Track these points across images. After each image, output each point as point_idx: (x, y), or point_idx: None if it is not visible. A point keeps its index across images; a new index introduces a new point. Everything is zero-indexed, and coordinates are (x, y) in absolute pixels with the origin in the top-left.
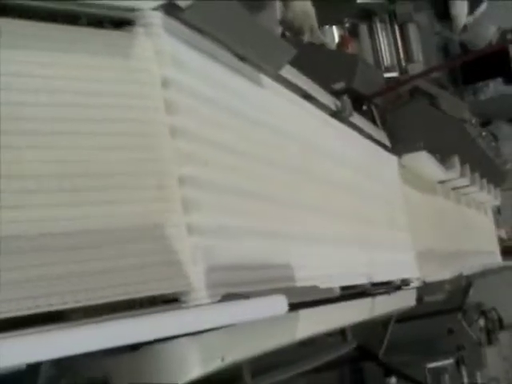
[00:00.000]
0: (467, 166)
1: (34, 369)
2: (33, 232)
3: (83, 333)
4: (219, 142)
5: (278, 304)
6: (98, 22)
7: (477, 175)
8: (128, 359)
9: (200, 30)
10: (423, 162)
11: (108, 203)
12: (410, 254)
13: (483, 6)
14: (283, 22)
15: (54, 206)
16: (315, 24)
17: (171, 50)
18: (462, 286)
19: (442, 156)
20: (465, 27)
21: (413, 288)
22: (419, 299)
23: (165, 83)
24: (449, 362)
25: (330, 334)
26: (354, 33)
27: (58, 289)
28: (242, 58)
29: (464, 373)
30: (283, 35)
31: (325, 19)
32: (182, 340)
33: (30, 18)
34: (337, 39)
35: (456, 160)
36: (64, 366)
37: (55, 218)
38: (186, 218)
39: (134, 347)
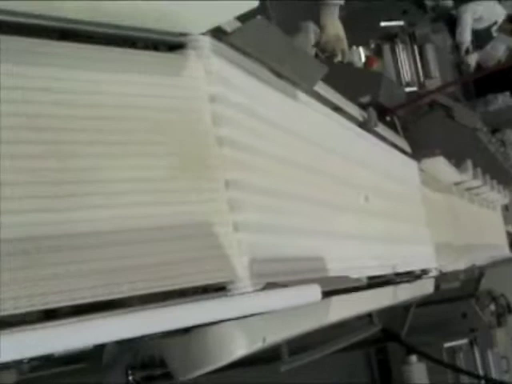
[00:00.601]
0: (479, 169)
1: (99, 347)
2: (107, 229)
3: (144, 317)
4: (260, 149)
5: (313, 292)
6: (154, 45)
7: (488, 177)
8: (182, 340)
9: (243, 51)
10: (440, 166)
11: (165, 205)
12: (429, 247)
13: (491, 43)
14: (318, 45)
15: (124, 206)
16: (346, 47)
17: (218, 70)
18: (475, 275)
19: (457, 160)
20: (467, 51)
21: (431, 277)
22: (437, 287)
23: (212, 98)
24: (463, 342)
25: (358, 318)
26: (378, 53)
27: (129, 279)
28: (279, 76)
29: (476, 352)
30: (316, 55)
31: (353, 41)
32: (229, 323)
33: (94, 43)
34: (363, 58)
35: (469, 164)
36: (126, 345)
37: (126, 216)
38: (232, 217)
39: (187, 330)
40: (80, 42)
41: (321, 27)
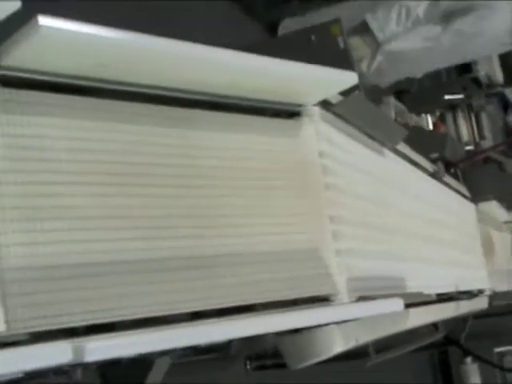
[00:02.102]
0: None
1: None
2: (239, 251)
3: (268, 319)
4: (357, 192)
5: (396, 304)
6: (278, 113)
7: None
8: (293, 338)
9: (344, 118)
10: (493, 207)
11: (284, 234)
12: (484, 272)
13: None
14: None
15: (254, 235)
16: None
17: (325, 132)
18: None
19: (508, 203)
20: None
21: (486, 295)
22: (490, 303)
23: (321, 154)
24: (510, 348)
25: (426, 326)
26: (442, 119)
27: (257, 290)
28: (371, 137)
29: None
30: (395, 120)
31: (423, 110)
32: (330, 327)
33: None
34: (430, 124)
35: None
36: (247, 340)
37: (253, 242)
38: (334, 245)
39: (298, 330)
40: (224, 112)
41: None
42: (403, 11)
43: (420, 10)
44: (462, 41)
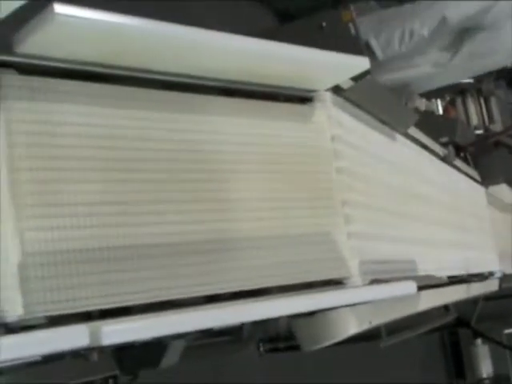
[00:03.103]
0: None
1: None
2: (252, 236)
3: (283, 302)
4: (368, 176)
5: (410, 287)
6: (290, 99)
7: None
8: (307, 320)
9: (355, 103)
10: (503, 191)
11: (297, 218)
12: (494, 254)
13: None
14: None
15: (267, 219)
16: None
17: (337, 116)
18: None
19: None
20: None
21: (496, 278)
22: (500, 285)
23: (332, 138)
24: None
25: (438, 308)
26: (452, 103)
27: (270, 273)
28: (382, 121)
29: None
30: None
31: (433, 95)
32: (344, 309)
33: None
34: (440, 108)
35: None
36: (258, 324)
37: (265, 226)
38: (346, 228)
39: (312, 313)
40: (238, 97)
41: None
42: (407, 32)
43: (425, 30)
44: (471, 62)
